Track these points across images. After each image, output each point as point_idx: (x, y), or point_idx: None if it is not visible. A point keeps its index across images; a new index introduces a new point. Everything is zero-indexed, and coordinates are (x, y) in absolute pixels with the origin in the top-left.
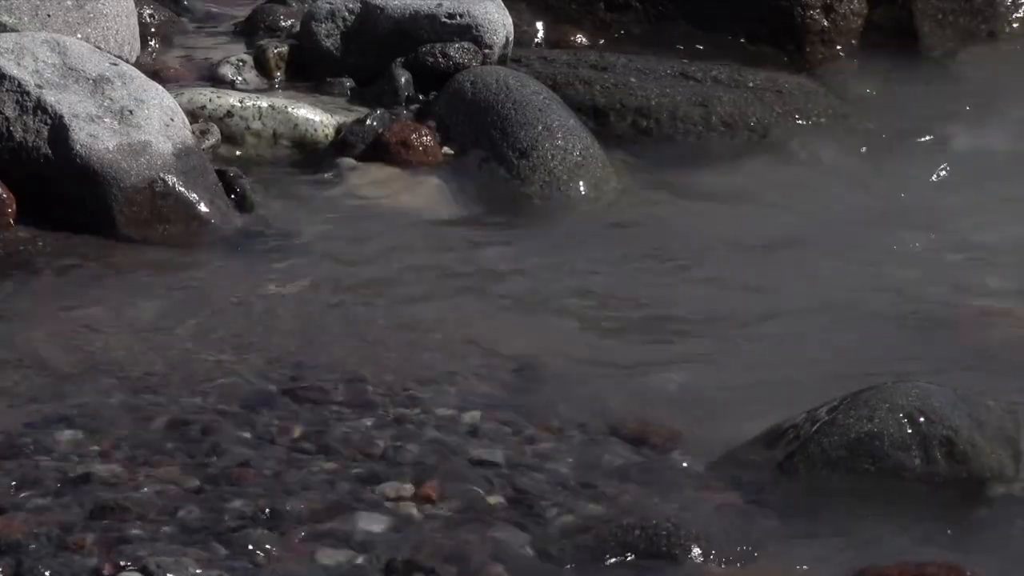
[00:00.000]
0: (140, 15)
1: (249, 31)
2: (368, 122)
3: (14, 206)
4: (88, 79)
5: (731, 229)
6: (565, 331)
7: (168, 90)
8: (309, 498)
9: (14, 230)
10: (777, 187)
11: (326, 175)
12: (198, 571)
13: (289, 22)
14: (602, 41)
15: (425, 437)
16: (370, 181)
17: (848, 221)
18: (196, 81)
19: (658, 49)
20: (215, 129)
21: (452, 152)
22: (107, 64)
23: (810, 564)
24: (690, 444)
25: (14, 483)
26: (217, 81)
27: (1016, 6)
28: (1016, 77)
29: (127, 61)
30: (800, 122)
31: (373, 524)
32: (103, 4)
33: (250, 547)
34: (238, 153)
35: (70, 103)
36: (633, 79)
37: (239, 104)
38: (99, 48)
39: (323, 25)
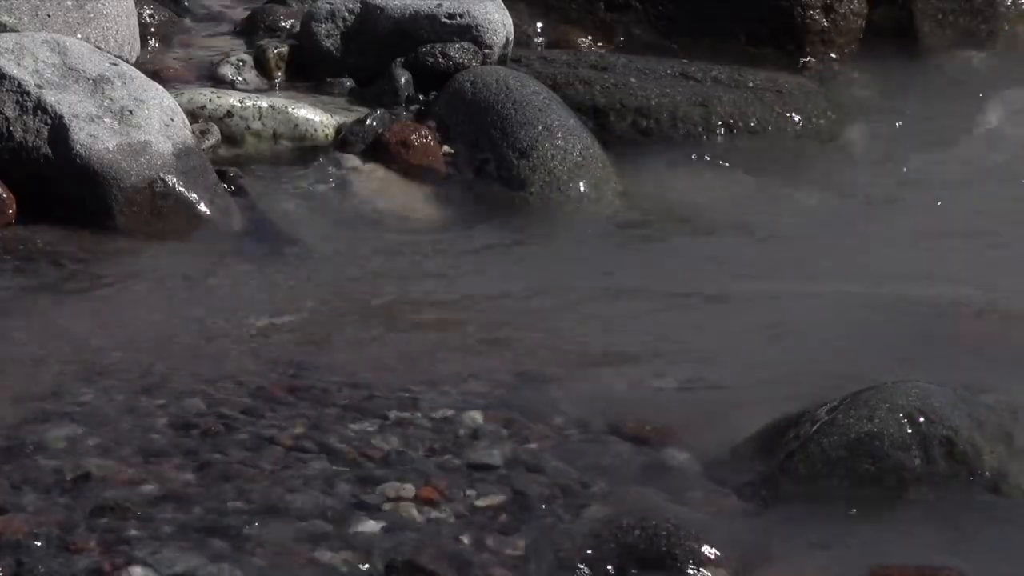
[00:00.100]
0: (140, 15)
1: (249, 31)
2: (368, 122)
3: (14, 206)
4: (88, 79)
5: (731, 228)
6: (565, 331)
7: (168, 90)
8: (309, 499)
9: (14, 230)
10: (777, 187)
11: (326, 175)
12: (198, 569)
13: (289, 22)
14: (599, 44)
15: (425, 438)
16: (370, 181)
17: (848, 220)
18: (196, 81)
19: (658, 49)
20: (215, 129)
21: (452, 152)
22: (107, 64)
23: (810, 564)
24: (690, 444)
25: (13, 482)
26: (217, 81)
27: (1016, 6)
28: (1016, 77)
29: (127, 61)
30: (800, 122)
31: (373, 525)
32: (103, 4)
33: (250, 547)
34: (238, 153)
35: (70, 103)
36: (633, 79)
37: (239, 104)
38: (99, 48)
39: (323, 25)
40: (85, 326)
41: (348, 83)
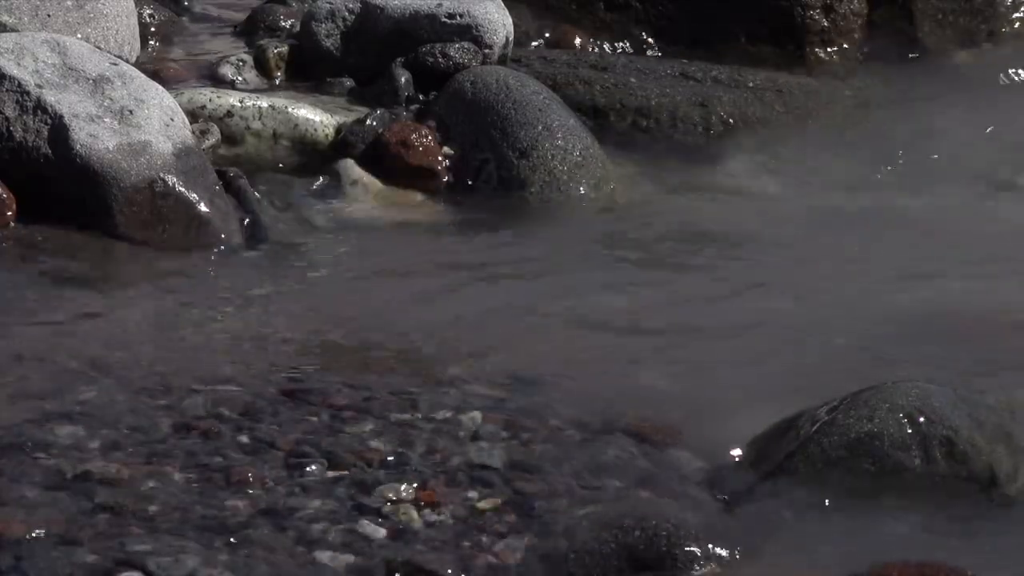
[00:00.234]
0: (140, 15)
1: (249, 31)
2: (368, 122)
3: (14, 206)
4: (88, 79)
5: (732, 228)
6: (565, 331)
7: (168, 90)
8: (309, 500)
9: (14, 230)
10: (777, 186)
11: (326, 175)
12: (197, 570)
13: (289, 22)
14: (602, 42)
15: (425, 440)
16: (369, 181)
17: (848, 220)
18: (196, 81)
19: (658, 49)
20: (215, 129)
21: (452, 152)
22: (107, 64)
23: (809, 564)
24: (690, 443)
25: (13, 481)
26: (217, 81)
27: (1016, 6)
28: (1016, 77)
29: (127, 61)
30: (800, 122)
31: (373, 527)
32: (103, 4)
33: (250, 548)
34: (238, 153)
35: (70, 103)
36: (633, 79)
37: (239, 104)
38: (99, 48)
39: (323, 25)
40: (85, 326)
41: (348, 83)
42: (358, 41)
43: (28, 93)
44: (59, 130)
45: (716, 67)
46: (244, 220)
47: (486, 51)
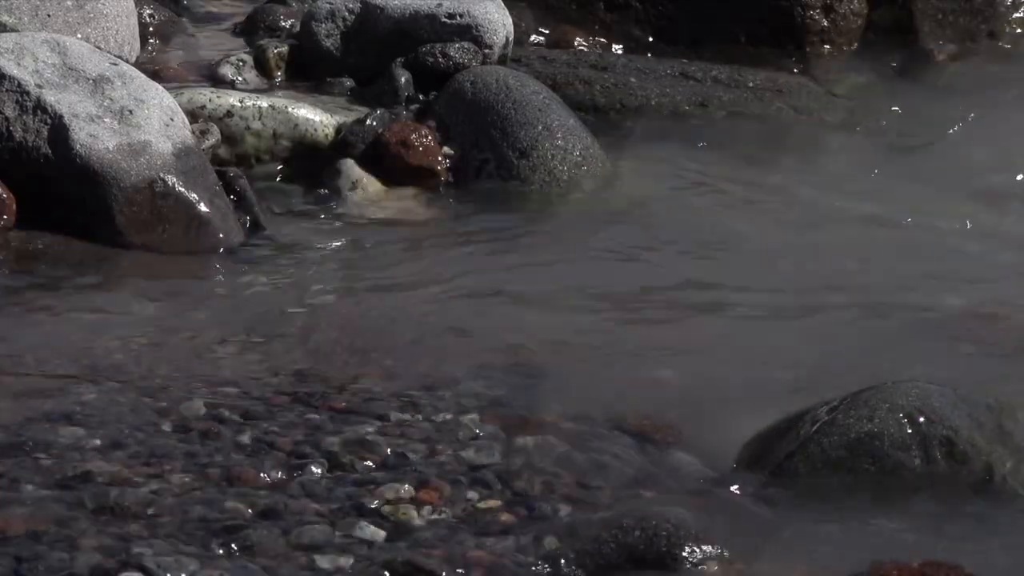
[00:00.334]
0: (140, 15)
1: (249, 31)
2: (368, 122)
3: (14, 206)
4: (88, 79)
5: (732, 227)
6: (565, 330)
7: (168, 90)
8: (309, 501)
9: (14, 230)
10: (777, 185)
11: (326, 176)
12: (197, 571)
13: (289, 22)
14: (603, 41)
15: (425, 440)
16: (370, 182)
17: (848, 219)
18: (196, 81)
19: (658, 49)
20: (215, 129)
21: (452, 152)
22: (107, 64)
23: (810, 564)
24: (690, 443)
25: (14, 480)
26: (217, 81)
27: (1016, 6)
28: (1016, 77)
29: (127, 61)
30: (800, 122)
31: (373, 528)
32: (103, 4)
33: (250, 548)
34: (238, 153)
35: (70, 103)
36: (633, 79)
37: (239, 104)
38: (99, 48)
39: (323, 25)
40: (86, 326)
41: (348, 83)
42: (358, 41)
43: (28, 93)
44: (59, 130)
45: (716, 67)
46: (244, 220)
47: (486, 51)
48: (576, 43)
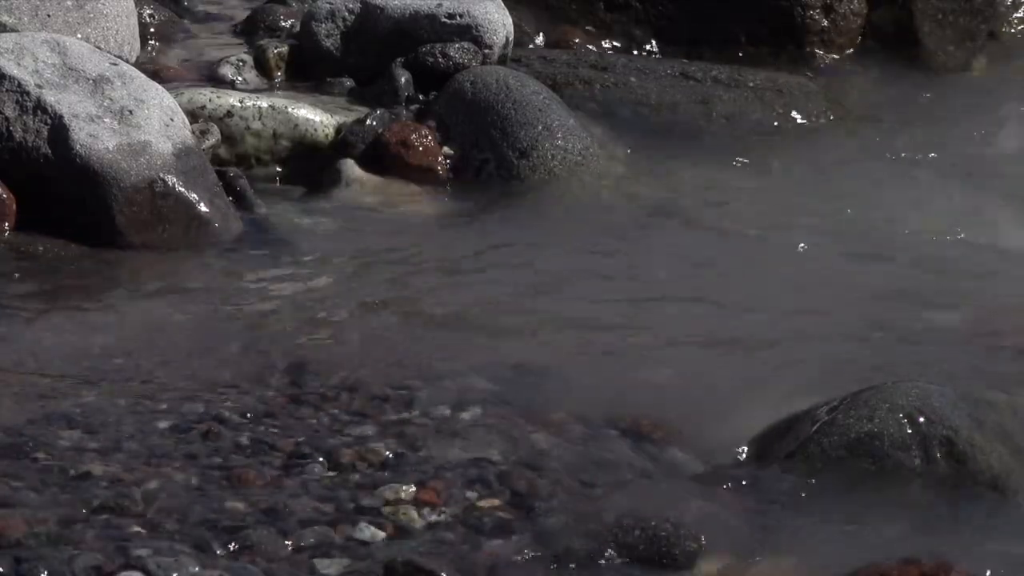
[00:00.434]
0: (140, 15)
1: (249, 31)
2: (368, 122)
3: (14, 206)
4: (88, 79)
5: (732, 227)
6: (565, 330)
7: (168, 90)
8: (309, 501)
9: (14, 230)
10: (777, 185)
11: (326, 175)
12: (197, 571)
13: (289, 22)
14: (604, 41)
15: (425, 440)
16: (370, 182)
17: (848, 219)
18: (196, 81)
19: (658, 49)
20: (215, 129)
21: (452, 152)
22: (107, 64)
23: (809, 564)
24: (690, 442)
25: (14, 481)
26: (217, 81)
27: (1016, 6)
28: (1016, 77)
29: (127, 61)
30: (800, 122)
31: (373, 527)
32: (103, 4)
33: (250, 548)
34: (238, 153)
35: (70, 103)
36: (633, 79)
37: (239, 104)
38: (99, 48)
39: (323, 25)
40: (86, 327)
41: (348, 83)
42: (358, 41)
43: (28, 93)
44: (59, 130)
45: (716, 67)
46: (244, 220)
47: (486, 51)
48: (576, 43)
